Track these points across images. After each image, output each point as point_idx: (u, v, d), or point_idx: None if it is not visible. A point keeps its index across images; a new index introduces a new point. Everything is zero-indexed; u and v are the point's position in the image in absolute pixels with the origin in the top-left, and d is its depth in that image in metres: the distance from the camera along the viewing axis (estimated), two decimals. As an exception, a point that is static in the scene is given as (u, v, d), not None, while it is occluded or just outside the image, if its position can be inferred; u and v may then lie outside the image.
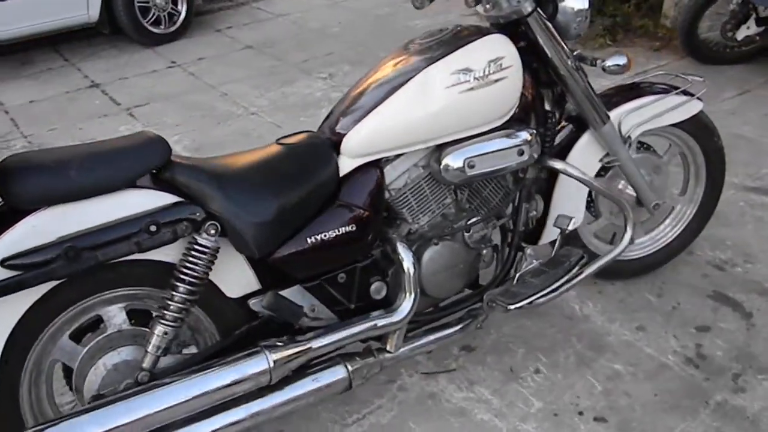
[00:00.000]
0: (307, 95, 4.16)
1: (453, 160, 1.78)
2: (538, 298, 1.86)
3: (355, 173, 1.75)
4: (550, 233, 2.15)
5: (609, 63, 1.93)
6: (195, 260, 1.56)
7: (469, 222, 1.89)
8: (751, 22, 4.02)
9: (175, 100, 4.26)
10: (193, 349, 1.76)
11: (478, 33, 1.82)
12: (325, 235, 1.67)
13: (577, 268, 1.91)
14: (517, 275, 1.94)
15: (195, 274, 1.56)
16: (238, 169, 1.65)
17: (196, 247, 1.55)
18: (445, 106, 1.74)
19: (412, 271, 1.75)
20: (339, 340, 1.70)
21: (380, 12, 5.64)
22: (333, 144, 1.75)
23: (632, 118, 2.12)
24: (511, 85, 1.80)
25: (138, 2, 5.04)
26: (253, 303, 1.67)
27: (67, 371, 1.70)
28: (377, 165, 1.77)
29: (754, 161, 3.19)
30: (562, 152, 2.13)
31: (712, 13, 4.14)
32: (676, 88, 2.20)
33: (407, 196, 1.83)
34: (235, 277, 1.66)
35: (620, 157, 2.12)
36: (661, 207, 2.35)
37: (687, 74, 2.23)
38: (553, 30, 1.90)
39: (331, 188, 1.71)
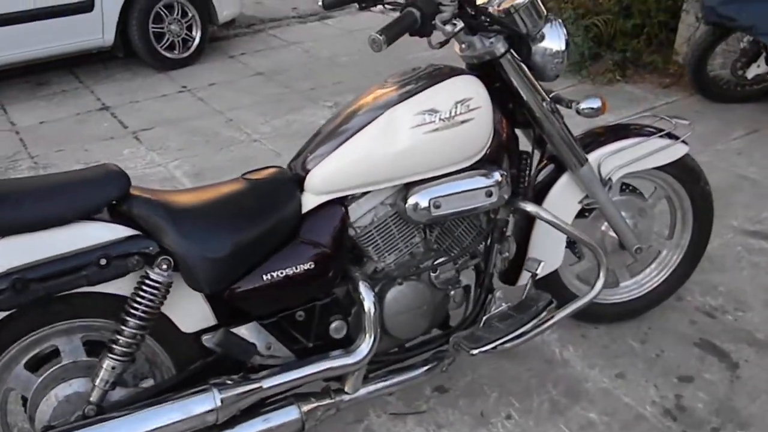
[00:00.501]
0: (310, 123, 4.18)
1: (418, 200, 1.76)
2: (502, 343, 1.81)
3: (318, 210, 1.73)
4: (527, 275, 2.11)
5: (583, 105, 1.90)
6: (145, 294, 1.55)
7: (435, 262, 1.86)
8: (762, 61, 3.95)
9: (181, 124, 4.31)
10: (150, 382, 1.75)
11: (449, 73, 1.81)
12: (282, 273, 1.66)
13: (544, 313, 1.86)
14: (484, 318, 1.90)
15: (145, 308, 1.55)
16: (198, 204, 1.65)
17: (147, 281, 1.55)
18: (409, 146, 1.72)
19: (372, 311, 1.73)
20: (292, 380, 1.67)
21: (393, 41, 5.67)
22: (298, 180, 1.74)
23: (613, 160, 2.08)
24: (479, 126, 1.78)
25: (152, 28, 5.13)
26: (205, 339, 1.66)
27: (26, 400, 1.70)
28: (341, 202, 1.76)
29: (755, 204, 3.11)
30: (542, 192, 2.10)
31: (723, 51, 4.08)
32: (662, 130, 2.16)
33: (373, 234, 1.81)
34: (190, 311, 1.65)
35: (599, 200, 2.08)
36: (647, 251, 2.30)
37: (673, 117, 2.19)
38: (527, 72, 1.88)
39: (292, 225, 1.70)
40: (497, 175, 1.83)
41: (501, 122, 1.88)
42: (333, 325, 1.77)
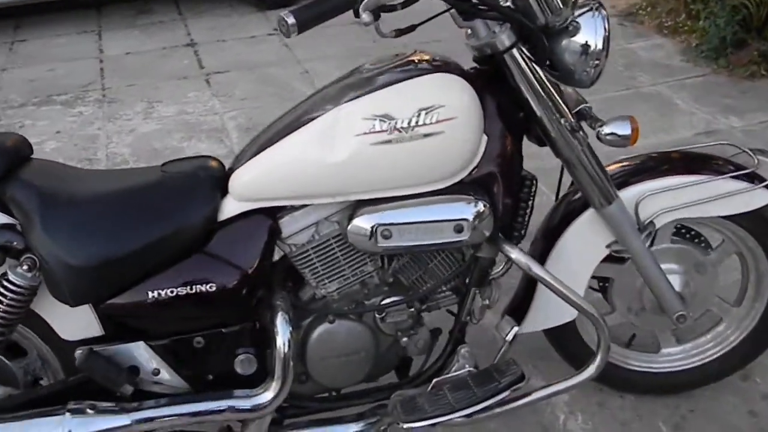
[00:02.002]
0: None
1: (363, 225, 1.39)
2: (442, 421, 1.42)
3: (238, 220, 1.41)
4: (535, 321, 1.69)
5: (607, 130, 1.42)
6: (5, 294, 1.32)
7: (383, 302, 1.49)
8: None
9: (256, 71, 4.08)
10: (45, 382, 1.55)
11: (426, 69, 1.39)
12: (173, 291, 1.36)
13: (507, 392, 1.44)
14: (435, 381, 1.51)
15: (5, 309, 1.33)
16: (85, 195, 1.38)
17: (5, 281, 1.32)
18: (351, 157, 1.34)
19: (283, 349, 1.40)
20: (174, 416, 1.40)
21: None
22: (222, 181, 1.43)
23: (658, 200, 1.57)
24: (452, 142, 1.36)
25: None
26: (78, 353, 1.41)
27: None
28: (271, 213, 1.43)
29: None
30: (560, 225, 1.65)
31: None
32: (740, 168, 1.61)
33: (310, 255, 1.46)
34: (72, 318, 1.40)
35: (631, 249, 1.59)
36: (702, 317, 1.78)
37: (758, 150, 1.63)
38: (541, 75, 1.42)
39: (200, 234, 1.39)
40: (475, 207, 1.40)
41: (503, 137, 1.45)
42: (239, 359, 1.46)
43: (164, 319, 1.40)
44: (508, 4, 1.37)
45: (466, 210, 1.41)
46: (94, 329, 1.42)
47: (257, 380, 1.47)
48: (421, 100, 1.33)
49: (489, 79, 1.45)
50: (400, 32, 1.35)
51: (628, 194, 1.57)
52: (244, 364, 1.46)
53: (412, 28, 1.37)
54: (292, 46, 4.45)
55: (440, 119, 1.33)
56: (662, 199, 1.57)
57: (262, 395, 1.42)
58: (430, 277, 1.53)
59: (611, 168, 1.65)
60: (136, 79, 4.02)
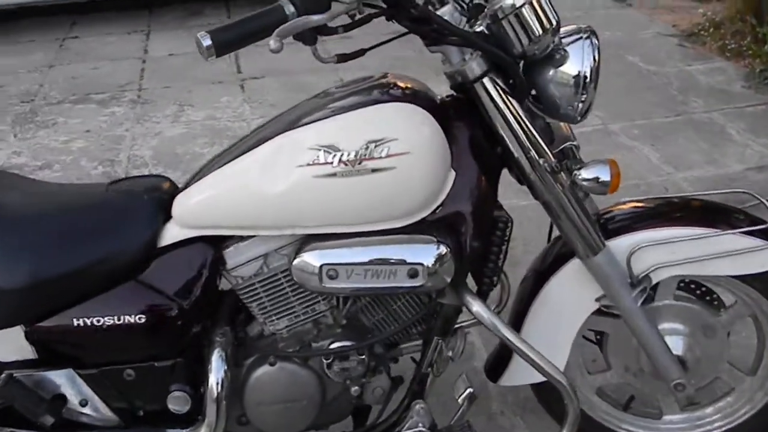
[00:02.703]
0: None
1: (308, 261, 1.27)
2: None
3: (179, 247, 1.32)
4: (513, 376, 1.53)
5: (584, 174, 1.25)
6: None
7: (332, 345, 1.36)
8: None
9: (293, 77, 4.01)
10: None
11: (386, 97, 1.27)
12: (99, 319, 1.27)
13: (456, 462, 1.29)
14: (381, 440, 1.37)
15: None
16: (18, 211, 1.30)
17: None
18: (293, 189, 1.23)
19: (215, 390, 1.30)
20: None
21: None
22: (168, 203, 1.33)
23: (655, 253, 1.39)
24: (406, 179, 1.22)
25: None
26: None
27: None
28: (215, 242, 1.32)
29: None
30: (548, 271, 1.49)
31: None
32: (754, 221, 1.41)
33: (257, 289, 1.35)
34: (2, 339, 1.34)
35: (619, 305, 1.41)
36: (709, 385, 1.58)
37: (779, 205, 1.42)
38: (516, 108, 1.26)
39: (137, 259, 1.30)
40: (436, 250, 1.26)
41: (475, 174, 1.30)
42: (172, 395, 1.35)
43: (92, 348, 1.32)
44: (481, 28, 1.22)
45: (424, 253, 1.26)
46: (26, 351, 1.35)
47: (192, 419, 1.37)
48: (370, 132, 1.20)
49: (464, 109, 1.31)
50: (345, 57, 1.22)
51: (621, 243, 1.39)
52: (177, 401, 1.35)
53: (361, 53, 1.24)
54: (335, 52, 4.36)
55: (391, 153, 1.19)
56: (660, 252, 1.38)
57: (192, 438, 1.32)
58: (394, 320, 1.40)
59: (608, 211, 1.48)
60: (173, 82, 4.03)
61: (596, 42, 1.26)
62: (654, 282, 1.41)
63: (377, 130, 1.20)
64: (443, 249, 1.26)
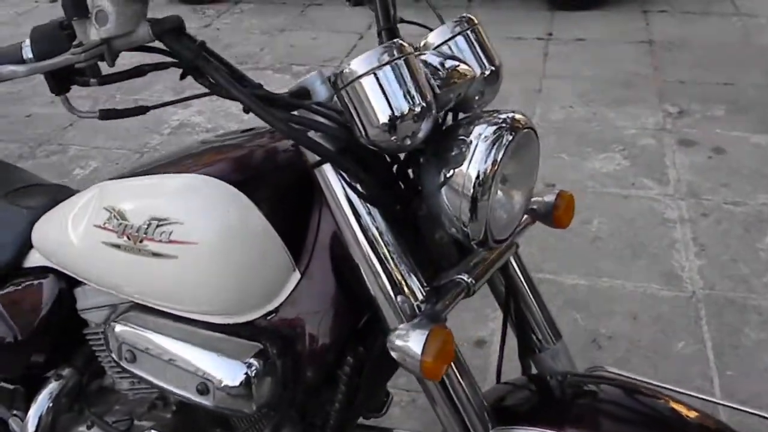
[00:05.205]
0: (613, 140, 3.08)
1: (114, 332, 1.07)
2: None
3: (34, 273, 1.22)
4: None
5: (398, 342, 0.84)
6: None
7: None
8: None
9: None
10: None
11: (190, 162, 1.00)
12: None
13: None
14: None
15: None
16: None
17: None
18: (85, 247, 1.04)
19: (32, 427, 1.20)
20: None
21: None
22: None
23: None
24: (189, 273, 0.94)
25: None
26: None
27: None
28: (65, 278, 1.20)
29: None
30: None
31: None
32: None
33: (100, 338, 1.19)
34: None
35: None
36: None
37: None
38: (367, 211, 0.90)
39: (-6, 276, 1.24)
40: (240, 369, 0.97)
41: (331, 285, 0.97)
42: (12, 419, 1.29)
43: None
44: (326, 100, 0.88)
45: (225, 368, 0.98)
46: None
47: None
48: (157, 207, 0.94)
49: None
50: (106, 114, 0.92)
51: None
52: (18, 425, 1.29)
53: (141, 111, 0.92)
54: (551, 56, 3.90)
55: (174, 239, 0.92)
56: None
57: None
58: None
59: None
60: (303, 60, 3.95)
61: (510, 137, 0.83)
62: None
63: (165, 206, 0.94)
64: (256, 367, 0.97)
